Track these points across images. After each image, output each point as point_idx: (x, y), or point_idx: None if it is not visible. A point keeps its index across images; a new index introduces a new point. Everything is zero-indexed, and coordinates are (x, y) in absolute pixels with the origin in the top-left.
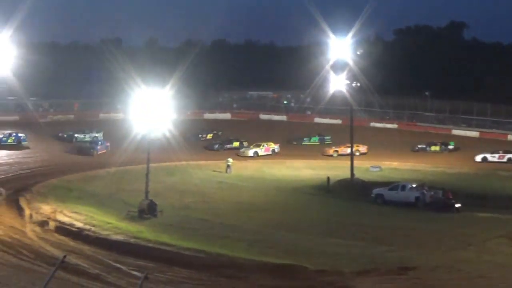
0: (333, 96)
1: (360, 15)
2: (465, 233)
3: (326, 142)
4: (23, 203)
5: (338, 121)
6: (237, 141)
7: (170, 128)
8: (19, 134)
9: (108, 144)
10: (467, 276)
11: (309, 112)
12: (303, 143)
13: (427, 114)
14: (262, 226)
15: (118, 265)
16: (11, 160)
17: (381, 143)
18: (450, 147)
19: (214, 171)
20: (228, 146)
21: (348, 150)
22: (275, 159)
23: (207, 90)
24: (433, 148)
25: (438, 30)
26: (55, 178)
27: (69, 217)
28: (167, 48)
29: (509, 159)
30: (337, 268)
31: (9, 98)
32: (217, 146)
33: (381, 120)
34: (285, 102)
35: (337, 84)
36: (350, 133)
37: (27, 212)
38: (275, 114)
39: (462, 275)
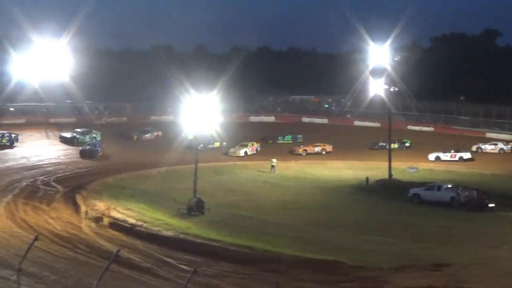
0: (372, 100)
1: (398, 23)
2: (498, 232)
3: (298, 141)
4: (79, 200)
5: (377, 124)
6: (217, 141)
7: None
8: (12, 134)
9: (104, 145)
10: (500, 273)
11: (349, 116)
12: (278, 142)
13: (461, 117)
14: (304, 224)
15: (168, 259)
16: (68, 160)
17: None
18: (407, 144)
19: (259, 171)
20: (210, 146)
21: (316, 149)
22: (317, 160)
23: (252, 94)
24: (392, 145)
25: (472, 38)
26: (109, 176)
27: (122, 213)
28: (215, 54)
29: (460, 157)
30: (375, 264)
31: (67, 101)
32: (201, 146)
33: (418, 123)
34: (326, 106)
35: (376, 88)
36: (388, 135)
37: (83, 208)
38: (316, 117)
39: (495, 272)
